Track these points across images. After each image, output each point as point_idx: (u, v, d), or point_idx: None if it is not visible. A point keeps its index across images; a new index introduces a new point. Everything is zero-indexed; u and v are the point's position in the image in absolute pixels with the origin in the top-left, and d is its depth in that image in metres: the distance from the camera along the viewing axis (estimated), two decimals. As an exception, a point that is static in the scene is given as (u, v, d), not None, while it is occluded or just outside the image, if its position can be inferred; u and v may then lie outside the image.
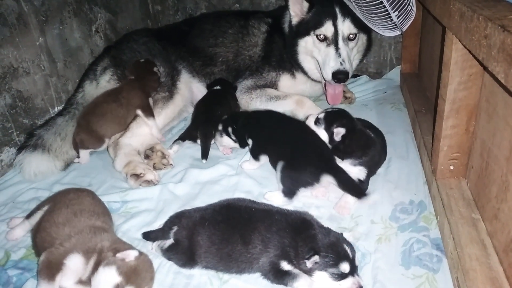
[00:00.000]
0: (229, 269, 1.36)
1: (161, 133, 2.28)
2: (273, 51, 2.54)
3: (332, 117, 1.73)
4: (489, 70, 0.97)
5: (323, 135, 1.73)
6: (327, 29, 2.25)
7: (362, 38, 2.40)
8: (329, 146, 1.72)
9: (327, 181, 1.64)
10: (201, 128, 2.18)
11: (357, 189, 1.61)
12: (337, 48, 2.24)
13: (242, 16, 2.68)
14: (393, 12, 2.01)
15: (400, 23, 2.09)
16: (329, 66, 2.23)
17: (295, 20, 2.37)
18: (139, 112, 2.19)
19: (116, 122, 2.16)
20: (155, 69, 2.33)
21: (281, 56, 2.52)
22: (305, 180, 1.65)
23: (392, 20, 2.07)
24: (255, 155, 1.93)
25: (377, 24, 2.16)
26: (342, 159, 1.69)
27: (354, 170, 1.69)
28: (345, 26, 2.26)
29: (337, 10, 2.24)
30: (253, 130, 1.96)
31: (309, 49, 2.34)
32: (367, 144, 1.72)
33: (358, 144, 1.70)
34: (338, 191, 1.75)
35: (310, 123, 1.78)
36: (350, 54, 2.31)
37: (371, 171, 1.77)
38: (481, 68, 1.34)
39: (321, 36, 2.27)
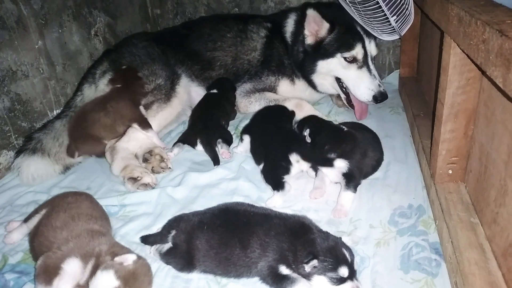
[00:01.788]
0: (227, 273, 1.36)
1: (163, 143, 2.27)
2: (272, 56, 2.55)
3: (301, 123, 1.94)
4: (487, 75, 0.98)
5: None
6: (358, 52, 2.27)
7: None
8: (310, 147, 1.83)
9: (296, 160, 1.81)
10: (202, 137, 2.17)
11: (320, 160, 1.78)
12: (370, 70, 2.29)
13: (241, 20, 2.68)
14: (392, 16, 2.02)
15: (398, 28, 2.10)
16: (368, 88, 2.27)
17: (310, 40, 2.33)
18: (135, 126, 2.14)
19: (101, 132, 2.13)
20: (139, 74, 2.32)
21: (281, 61, 2.53)
22: (279, 166, 1.80)
23: (390, 24, 2.08)
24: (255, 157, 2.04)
25: (375, 28, 2.17)
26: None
27: (336, 164, 1.73)
28: (372, 47, 2.30)
29: (361, 31, 2.27)
30: (249, 127, 2.19)
31: (331, 69, 2.34)
32: (337, 137, 1.78)
33: (328, 138, 1.77)
34: (336, 194, 1.76)
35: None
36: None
37: (360, 166, 1.76)
38: (479, 72, 1.35)
39: (350, 58, 2.27)
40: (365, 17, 2.12)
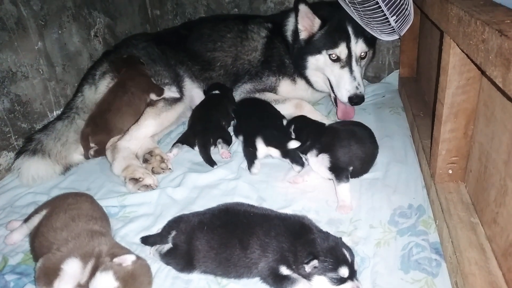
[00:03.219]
0: (227, 274, 1.36)
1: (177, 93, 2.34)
2: (273, 56, 2.55)
3: (288, 122, 2.05)
4: (487, 74, 0.98)
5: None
6: (341, 51, 2.25)
7: (370, 53, 2.41)
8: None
9: (260, 143, 1.95)
10: (199, 137, 2.18)
11: (278, 143, 1.93)
12: (351, 71, 2.26)
13: (241, 21, 2.68)
14: (391, 16, 2.02)
15: (398, 28, 2.10)
16: (345, 89, 2.25)
17: (303, 35, 2.35)
18: (152, 96, 2.25)
19: (132, 114, 2.21)
20: (142, 59, 2.40)
21: (282, 61, 2.52)
22: (250, 147, 1.99)
23: (390, 24, 2.08)
24: (236, 134, 2.27)
25: (375, 28, 2.17)
26: (305, 153, 1.85)
27: (319, 159, 1.78)
28: (358, 47, 2.27)
29: (350, 30, 2.24)
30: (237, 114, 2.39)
31: (320, 66, 2.34)
32: (317, 133, 1.85)
33: (309, 134, 1.84)
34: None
35: None
36: (362, 73, 2.33)
37: (344, 158, 1.76)
38: (479, 72, 1.35)
39: (334, 56, 2.27)
40: (365, 17, 2.12)
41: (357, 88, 2.23)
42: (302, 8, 2.26)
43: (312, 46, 2.32)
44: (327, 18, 2.28)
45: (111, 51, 2.57)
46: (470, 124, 1.46)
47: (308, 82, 2.48)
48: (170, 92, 2.31)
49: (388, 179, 1.85)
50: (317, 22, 2.29)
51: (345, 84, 2.25)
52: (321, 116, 2.35)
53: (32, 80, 2.23)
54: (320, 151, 1.78)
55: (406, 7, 2.02)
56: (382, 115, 2.49)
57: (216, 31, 2.65)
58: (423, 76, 2.50)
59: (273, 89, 2.55)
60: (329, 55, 2.27)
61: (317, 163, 1.79)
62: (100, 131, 2.12)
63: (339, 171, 1.72)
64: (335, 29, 2.27)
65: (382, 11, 1.99)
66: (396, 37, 2.21)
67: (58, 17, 2.41)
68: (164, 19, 3.40)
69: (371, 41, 2.32)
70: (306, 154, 1.85)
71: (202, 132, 2.19)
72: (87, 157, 2.16)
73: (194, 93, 2.60)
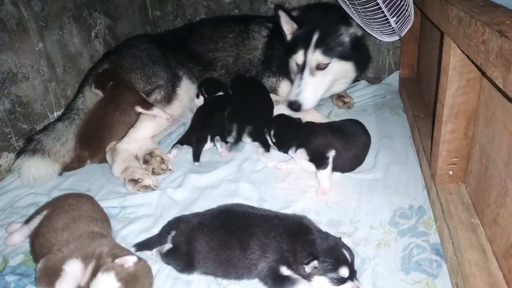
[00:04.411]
0: (227, 275, 1.36)
1: (168, 115, 2.28)
2: (273, 56, 2.55)
3: (268, 127, 2.04)
4: (487, 75, 0.98)
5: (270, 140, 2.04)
6: (298, 57, 2.25)
7: (343, 67, 2.29)
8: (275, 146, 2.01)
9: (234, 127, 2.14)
10: (196, 133, 2.19)
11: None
12: (301, 78, 2.24)
13: (242, 21, 2.69)
14: (392, 17, 2.02)
15: (398, 29, 2.11)
16: (289, 94, 2.25)
17: (288, 38, 2.38)
18: (138, 109, 2.22)
19: (124, 130, 2.20)
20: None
21: (282, 62, 2.53)
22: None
23: (390, 25, 2.08)
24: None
25: (375, 29, 2.17)
26: (287, 152, 1.95)
27: (297, 154, 1.88)
28: (314, 57, 2.21)
29: (314, 38, 2.20)
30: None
31: (292, 70, 2.36)
32: (295, 131, 1.92)
33: (289, 136, 1.92)
34: (336, 196, 1.76)
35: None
36: (319, 83, 2.26)
37: (319, 149, 1.82)
38: (480, 73, 1.35)
39: (295, 62, 2.29)
40: (365, 18, 2.12)
41: (296, 95, 2.22)
42: (281, 13, 2.31)
43: (289, 49, 2.35)
44: (305, 23, 2.28)
45: (112, 52, 2.57)
46: (470, 125, 1.46)
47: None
48: (161, 112, 2.25)
49: (389, 180, 1.85)
50: (294, 26, 2.32)
51: (292, 89, 2.27)
52: (322, 117, 2.34)
53: (33, 81, 2.23)
54: (298, 147, 1.87)
55: (406, 8, 2.02)
56: (382, 116, 2.49)
57: (217, 32, 2.65)
58: (424, 77, 2.50)
59: (273, 90, 2.55)
60: (292, 60, 2.30)
61: (298, 158, 1.89)
62: (97, 152, 2.14)
63: (317, 160, 1.81)
64: (302, 34, 2.27)
65: (383, 12, 1.99)
66: (397, 38, 2.21)
67: (58, 18, 2.42)
68: (164, 20, 3.41)
69: (341, 53, 2.23)
70: (287, 153, 1.95)
71: (201, 129, 2.20)
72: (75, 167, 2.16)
73: (194, 94, 2.60)
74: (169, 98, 2.36)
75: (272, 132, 1.99)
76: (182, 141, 2.25)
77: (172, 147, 2.22)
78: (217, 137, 2.19)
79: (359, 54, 2.31)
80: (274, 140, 1.99)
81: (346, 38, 2.25)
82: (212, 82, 2.54)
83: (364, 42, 2.43)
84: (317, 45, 2.21)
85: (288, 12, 2.32)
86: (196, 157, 2.12)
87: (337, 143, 1.83)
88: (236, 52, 2.61)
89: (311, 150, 1.83)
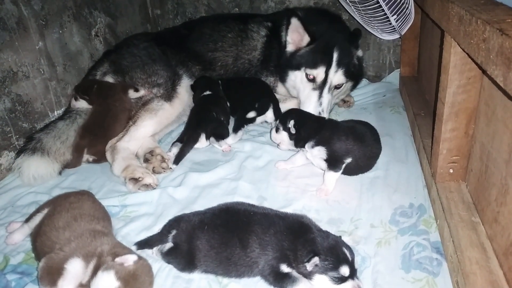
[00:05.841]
0: (228, 273, 1.36)
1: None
2: (271, 56, 2.54)
3: (284, 116, 1.95)
4: (488, 74, 0.98)
5: (285, 136, 1.90)
6: (318, 73, 2.22)
7: (348, 85, 2.37)
8: (292, 142, 1.90)
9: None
10: (190, 131, 2.21)
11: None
12: (320, 96, 2.23)
13: (241, 20, 2.68)
14: (392, 16, 2.03)
15: (399, 27, 2.11)
16: (308, 110, 2.21)
17: (290, 47, 2.32)
18: (131, 93, 2.28)
19: (125, 119, 2.24)
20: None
21: (279, 62, 2.53)
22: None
23: (391, 23, 2.08)
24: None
25: (376, 27, 2.18)
26: (303, 146, 1.86)
27: (315, 151, 1.80)
28: (336, 77, 2.22)
29: (335, 56, 2.19)
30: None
31: (297, 82, 2.33)
32: (317, 126, 1.85)
33: (308, 127, 1.84)
34: (337, 194, 1.76)
35: (273, 135, 1.98)
36: (332, 101, 2.31)
37: (341, 151, 1.79)
38: (480, 71, 1.35)
39: (311, 76, 2.24)
40: (366, 16, 2.12)
41: (320, 113, 2.20)
42: (294, 22, 2.22)
43: (294, 60, 2.29)
44: (318, 36, 2.24)
45: (112, 51, 2.57)
46: (471, 123, 1.46)
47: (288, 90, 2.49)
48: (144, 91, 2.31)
49: (389, 179, 1.85)
50: (306, 38, 2.25)
51: (310, 106, 2.23)
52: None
53: (33, 80, 2.23)
54: (317, 144, 1.80)
55: (406, 6, 2.02)
56: (383, 114, 2.49)
57: (217, 31, 2.64)
58: (424, 75, 2.50)
59: (272, 89, 2.55)
60: (307, 73, 2.24)
61: (314, 154, 1.82)
62: (100, 142, 2.13)
63: (333, 162, 1.78)
64: (321, 50, 2.22)
65: (383, 10, 1.99)
66: (397, 36, 2.22)
67: (59, 16, 2.42)
68: (164, 18, 3.40)
69: (352, 74, 2.27)
70: (303, 147, 1.86)
71: (195, 127, 2.21)
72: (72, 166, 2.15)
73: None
74: (169, 95, 2.35)
75: (291, 122, 1.86)
76: (180, 139, 2.24)
77: (171, 145, 2.22)
78: (212, 138, 2.19)
79: (360, 74, 2.38)
80: (293, 132, 1.86)
81: (355, 61, 2.29)
82: (202, 80, 2.53)
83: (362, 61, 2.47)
84: (339, 65, 2.20)
85: (304, 22, 2.21)
86: (177, 160, 2.10)
87: (356, 151, 1.80)
88: (235, 52, 2.61)
89: (331, 151, 1.77)
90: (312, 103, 2.22)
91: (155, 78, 2.37)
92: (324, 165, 1.81)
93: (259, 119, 2.33)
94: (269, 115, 2.32)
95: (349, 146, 1.79)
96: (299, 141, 1.87)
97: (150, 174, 1.96)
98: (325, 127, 1.85)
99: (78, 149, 2.13)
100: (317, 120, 1.93)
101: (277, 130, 1.94)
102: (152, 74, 2.38)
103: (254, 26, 2.62)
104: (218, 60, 2.62)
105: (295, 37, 2.28)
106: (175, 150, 2.19)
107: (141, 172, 1.94)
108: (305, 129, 1.84)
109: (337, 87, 2.27)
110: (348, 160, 1.79)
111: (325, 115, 2.21)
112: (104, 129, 2.16)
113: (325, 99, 2.22)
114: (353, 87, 2.49)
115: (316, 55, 2.22)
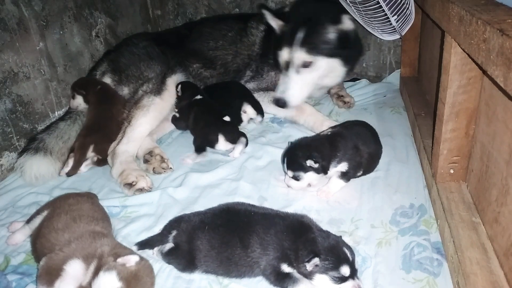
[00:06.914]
0: (229, 273, 1.36)
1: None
2: (270, 49, 2.54)
3: (293, 161, 1.73)
4: (488, 74, 0.98)
5: (313, 175, 1.72)
6: (283, 55, 2.27)
7: (329, 63, 2.26)
8: (321, 174, 1.73)
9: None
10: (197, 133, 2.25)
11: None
12: (286, 76, 2.26)
13: (242, 20, 2.69)
14: (392, 16, 2.03)
15: (399, 27, 2.11)
16: (276, 93, 2.26)
17: (278, 33, 2.38)
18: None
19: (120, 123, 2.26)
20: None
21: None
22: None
23: (391, 24, 2.08)
24: None
25: (376, 28, 2.18)
26: (327, 172, 1.73)
27: (338, 168, 1.74)
28: (298, 56, 2.21)
29: (298, 35, 2.19)
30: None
31: (281, 64, 2.36)
32: (332, 147, 1.73)
33: (327, 154, 1.71)
34: (338, 194, 1.76)
35: (297, 184, 1.76)
36: (305, 80, 2.27)
37: (357, 164, 1.77)
38: (480, 71, 1.35)
39: (281, 59, 2.29)
40: (366, 17, 2.12)
41: (283, 92, 2.25)
42: (264, 11, 2.36)
43: (276, 43, 2.37)
44: (292, 19, 2.28)
45: (112, 51, 2.57)
46: (471, 124, 1.46)
47: None
48: None
49: (390, 179, 1.85)
50: (280, 23, 2.33)
51: (278, 86, 2.30)
52: (323, 117, 2.33)
53: (34, 81, 2.24)
54: (340, 161, 1.73)
55: (407, 6, 2.02)
56: (383, 115, 2.49)
57: (217, 30, 2.65)
58: (424, 75, 2.50)
59: (274, 85, 2.53)
60: (277, 56, 2.30)
61: (337, 170, 1.74)
62: (105, 141, 2.14)
63: (347, 175, 1.75)
64: (288, 31, 2.27)
65: (383, 10, 1.99)
66: (397, 36, 2.21)
67: (59, 17, 2.42)
68: (165, 19, 3.41)
69: (320, 51, 2.20)
70: (326, 173, 1.74)
71: (205, 130, 2.23)
72: (73, 173, 2.09)
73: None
74: (158, 89, 2.30)
75: (309, 162, 1.67)
76: (202, 147, 2.21)
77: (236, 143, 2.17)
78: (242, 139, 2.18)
79: (348, 49, 2.29)
80: (316, 166, 1.68)
81: (332, 35, 2.22)
82: (192, 84, 2.49)
83: (355, 35, 2.37)
84: (301, 43, 2.20)
85: (270, 10, 2.36)
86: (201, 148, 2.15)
87: (365, 162, 1.81)
88: (234, 49, 2.63)
89: (352, 165, 1.74)
90: (279, 85, 2.29)
91: (147, 73, 2.36)
92: (336, 176, 1.76)
93: (244, 118, 2.39)
94: (249, 111, 2.38)
95: (362, 160, 1.79)
96: (326, 168, 1.72)
97: (144, 177, 1.93)
98: (342, 145, 1.74)
99: (82, 147, 2.11)
100: (331, 143, 1.76)
101: (297, 178, 1.73)
102: (146, 69, 2.37)
103: (254, 23, 2.64)
104: (218, 58, 2.63)
105: (275, 24, 2.37)
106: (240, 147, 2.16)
107: (135, 176, 1.92)
108: (323, 155, 1.70)
109: (306, 65, 2.23)
110: (360, 173, 1.82)
111: (287, 94, 2.24)
112: (109, 129, 2.17)
113: (291, 79, 2.25)
114: (346, 63, 2.32)
115: (282, 37, 2.29)
